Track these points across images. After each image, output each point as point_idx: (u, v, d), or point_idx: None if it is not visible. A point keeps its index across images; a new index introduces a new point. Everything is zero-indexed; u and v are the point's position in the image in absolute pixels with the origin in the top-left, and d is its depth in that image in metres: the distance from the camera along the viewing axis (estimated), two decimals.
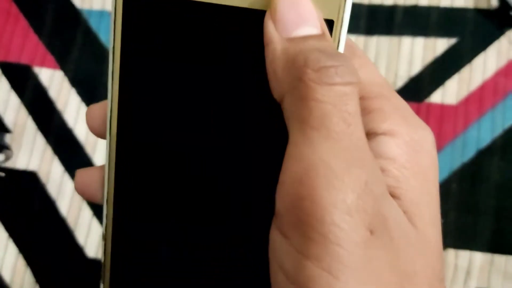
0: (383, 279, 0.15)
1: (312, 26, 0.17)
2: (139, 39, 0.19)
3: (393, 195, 0.17)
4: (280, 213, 0.16)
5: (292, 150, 0.16)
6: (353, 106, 0.16)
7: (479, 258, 0.43)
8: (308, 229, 0.15)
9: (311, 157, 0.15)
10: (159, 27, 0.19)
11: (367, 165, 0.16)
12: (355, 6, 0.48)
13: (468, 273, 0.43)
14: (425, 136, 0.19)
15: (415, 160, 0.18)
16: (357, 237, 0.15)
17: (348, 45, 0.19)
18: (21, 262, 0.45)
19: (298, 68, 0.16)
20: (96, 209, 0.46)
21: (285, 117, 0.17)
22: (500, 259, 0.43)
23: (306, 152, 0.15)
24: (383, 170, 0.18)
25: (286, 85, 0.16)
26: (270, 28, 0.17)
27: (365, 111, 0.18)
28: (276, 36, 0.17)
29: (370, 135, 0.18)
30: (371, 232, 0.15)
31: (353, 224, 0.15)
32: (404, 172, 0.18)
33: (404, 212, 0.17)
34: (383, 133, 0.18)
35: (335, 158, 0.15)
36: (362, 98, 0.18)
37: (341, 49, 0.19)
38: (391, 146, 0.18)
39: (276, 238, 0.16)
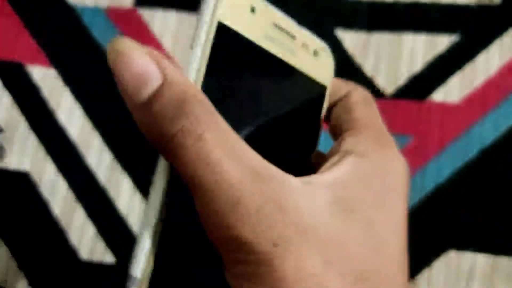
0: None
1: (152, 80, 0.17)
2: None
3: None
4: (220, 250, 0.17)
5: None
6: (215, 152, 0.17)
7: (481, 259, 0.43)
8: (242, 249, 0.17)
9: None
10: (233, 62, 0.20)
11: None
12: (355, 3, 0.48)
13: (470, 275, 0.43)
14: (395, 166, 0.21)
15: (370, 183, 0.20)
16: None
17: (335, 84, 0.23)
18: (13, 264, 0.44)
19: (157, 142, 0.17)
20: (90, 210, 0.45)
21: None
22: (503, 261, 0.43)
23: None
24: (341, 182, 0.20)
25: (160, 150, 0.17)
26: (124, 96, 0.17)
27: (349, 132, 0.22)
28: (129, 104, 0.17)
29: (347, 152, 0.21)
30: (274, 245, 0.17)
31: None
32: (358, 191, 0.20)
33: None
34: (354, 152, 0.21)
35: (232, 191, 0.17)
36: (352, 120, 0.22)
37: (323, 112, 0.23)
38: (356, 165, 0.20)
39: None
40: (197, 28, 0.19)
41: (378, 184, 0.20)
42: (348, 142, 0.21)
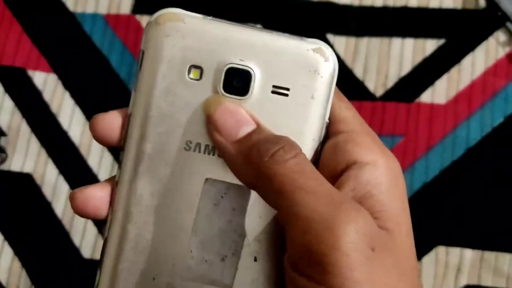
0: (386, 281, 0.20)
1: (248, 125, 0.22)
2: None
3: (377, 217, 0.21)
4: (296, 259, 0.20)
5: (291, 213, 0.20)
6: (308, 166, 0.21)
7: (469, 255, 0.44)
8: (323, 266, 0.19)
9: (306, 213, 0.19)
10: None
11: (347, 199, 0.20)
12: (346, 9, 0.49)
13: (458, 270, 0.44)
14: (396, 164, 0.23)
15: (395, 185, 0.22)
16: (362, 257, 0.19)
17: (335, 92, 0.23)
18: (16, 264, 0.45)
19: (256, 162, 0.20)
20: None
21: (263, 197, 0.21)
22: (490, 256, 0.44)
23: (300, 210, 0.19)
24: (371, 195, 0.21)
25: (251, 178, 0.21)
26: (217, 137, 0.22)
27: (352, 143, 0.22)
28: (224, 142, 0.21)
29: (357, 163, 0.22)
30: (372, 249, 0.19)
31: (359, 248, 0.19)
32: (388, 196, 0.22)
33: (386, 229, 0.21)
34: (368, 163, 0.22)
35: (321, 206, 0.19)
36: (349, 131, 0.23)
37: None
38: (376, 175, 0.22)
39: (297, 279, 0.20)
40: None
41: (397, 189, 0.22)
42: (352, 151, 0.22)
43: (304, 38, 0.23)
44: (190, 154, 0.22)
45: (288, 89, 0.22)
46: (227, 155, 0.22)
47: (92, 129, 0.23)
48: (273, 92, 0.22)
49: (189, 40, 0.22)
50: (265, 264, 0.22)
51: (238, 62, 0.22)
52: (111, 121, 0.23)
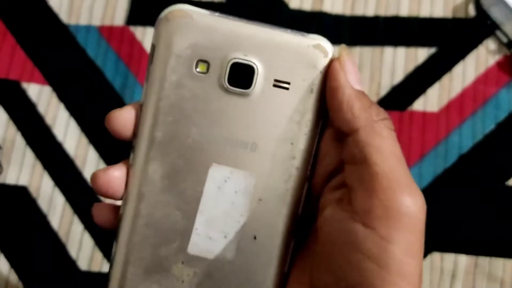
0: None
1: (361, 87, 0.24)
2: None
3: None
4: (367, 210, 0.22)
5: (372, 162, 0.22)
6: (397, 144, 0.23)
7: (463, 260, 0.44)
8: (398, 223, 0.21)
9: (388, 165, 0.22)
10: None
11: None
12: (338, 18, 0.49)
13: (453, 275, 0.44)
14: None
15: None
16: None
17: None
18: (13, 277, 0.45)
19: (373, 115, 0.23)
20: (88, 223, 0.46)
21: (354, 142, 0.23)
22: (484, 261, 0.44)
23: (384, 161, 0.22)
24: None
25: (362, 122, 0.23)
26: (342, 75, 0.23)
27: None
28: (348, 82, 0.23)
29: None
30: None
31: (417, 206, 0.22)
32: None
33: None
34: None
35: (401, 161, 0.23)
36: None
37: None
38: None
39: (360, 231, 0.22)
40: None
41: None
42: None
43: (305, 34, 0.24)
44: (197, 141, 0.24)
45: (288, 83, 0.24)
46: (341, 93, 0.23)
47: (108, 125, 0.25)
48: (274, 85, 0.24)
49: (197, 36, 0.24)
50: (263, 242, 0.25)
51: (242, 57, 0.24)
52: (126, 115, 0.25)
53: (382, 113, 0.23)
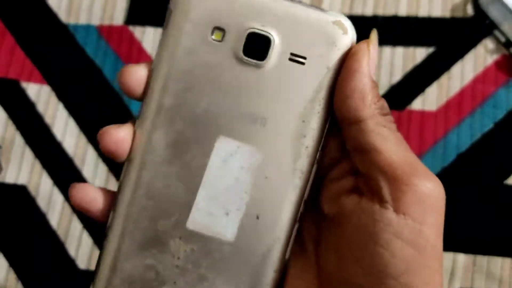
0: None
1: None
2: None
3: None
4: (397, 197, 0.22)
5: (385, 150, 0.22)
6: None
7: (462, 259, 0.44)
8: (426, 205, 0.22)
9: (400, 152, 0.22)
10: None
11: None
12: None
13: (452, 273, 0.44)
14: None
15: None
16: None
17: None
18: (12, 276, 0.45)
19: (381, 109, 0.23)
20: (86, 222, 0.46)
21: (362, 131, 0.23)
22: (482, 260, 0.44)
23: (396, 149, 0.22)
24: None
25: (370, 113, 0.22)
26: (366, 60, 0.22)
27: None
28: (369, 70, 0.22)
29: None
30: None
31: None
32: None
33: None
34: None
35: (411, 151, 0.23)
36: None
37: None
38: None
39: (394, 219, 0.22)
40: None
41: None
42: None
43: (325, 10, 0.24)
44: (205, 112, 0.23)
45: (305, 58, 0.23)
46: (359, 79, 0.23)
47: (121, 80, 0.24)
48: (290, 59, 0.23)
49: (215, 3, 0.23)
50: (266, 223, 0.24)
51: (260, 27, 0.23)
52: (141, 73, 0.24)
53: (387, 109, 0.23)
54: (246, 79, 0.23)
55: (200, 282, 0.24)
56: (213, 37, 0.23)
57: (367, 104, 0.22)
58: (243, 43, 0.23)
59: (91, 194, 0.24)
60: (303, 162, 0.24)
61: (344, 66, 0.23)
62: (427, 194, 0.22)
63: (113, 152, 0.24)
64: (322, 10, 0.23)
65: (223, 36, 0.23)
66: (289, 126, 0.23)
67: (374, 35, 0.23)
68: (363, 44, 0.23)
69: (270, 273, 0.24)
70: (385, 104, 0.23)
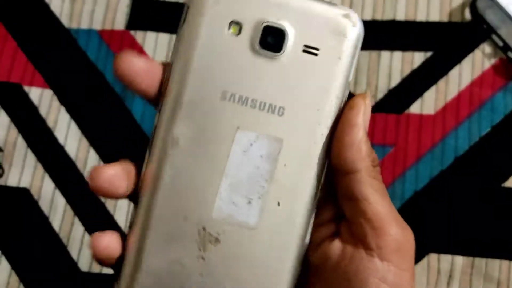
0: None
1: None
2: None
3: None
4: (382, 245, 0.24)
5: (373, 200, 0.24)
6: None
7: (460, 261, 0.44)
8: (403, 252, 0.24)
9: (385, 203, 0.24)
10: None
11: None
12: None
13: (450, 276, 0.44)
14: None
15: None
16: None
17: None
18: (14, 279, 0.45)
19: (372, 160, 0.24)
20: (88, 224, 0.46)
21: (355, 181, 0.24)
22: (481, 262, 0.44)
23: (382, 200, 0.24)
24: None
25: (365, 164, 0.24)
26: (362, 114, 0.24)
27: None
28: (364, 124, 0.24)
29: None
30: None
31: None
32: None
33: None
34: None
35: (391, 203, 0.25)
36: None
37: None
38: None
39: (379, 266, 0.24)
40: None
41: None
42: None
43: (334, 4, 0.25)
44: (225, 104, 0.24)
45: (318, 49, 0.24)
46: (355, 133, 0.24)
47: (118, 67, 0.24)
48: (304, 51, 0.24)
49: None
50: (287, 209, 0.24)
51: (275, 20, 0.24)
52: (156, 70, 0.24)
53: (377, 160, 0.25)
54: (263, 71, 0.24)
55: (225, 271, 0.24)
56: (230, 31, 0.24)
57: (363, 156, 0.24)
58: (260, 36, 0.24)
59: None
60: (319, 149, 0.24)
61: (343, 117, 0.24)
62: (403, 242, 0.24)
63: (106, 190, 0.24)
64: (332, 4, 0.25)
65: (240, 30, 0.24)
66: (305, 115, 0.24)
67: (368, 92, 0.25)
68: (360, 98, 0.24)
69: (292, 258, 0.25)
70: (376, 156, 0.25)
